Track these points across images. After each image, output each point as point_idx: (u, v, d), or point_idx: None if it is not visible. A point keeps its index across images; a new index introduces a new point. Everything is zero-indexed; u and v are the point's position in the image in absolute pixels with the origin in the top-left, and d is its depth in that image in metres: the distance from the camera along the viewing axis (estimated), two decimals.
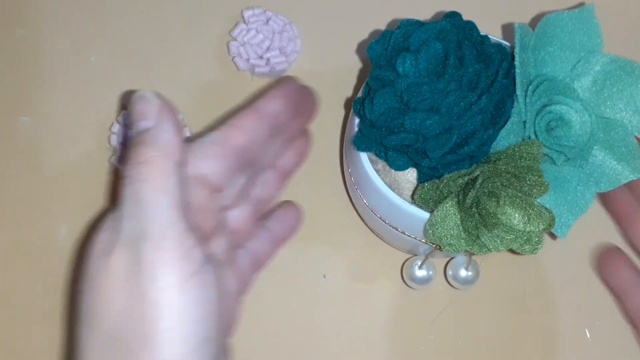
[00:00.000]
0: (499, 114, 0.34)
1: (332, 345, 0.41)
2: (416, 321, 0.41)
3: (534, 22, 0.37)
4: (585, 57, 0.36)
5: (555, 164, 0.35)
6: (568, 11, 0.36)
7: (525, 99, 0.35)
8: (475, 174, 0.33)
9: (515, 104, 0.35)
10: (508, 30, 0.46)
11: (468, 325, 0.41)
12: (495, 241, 0.34)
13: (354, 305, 0.41)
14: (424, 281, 0.40)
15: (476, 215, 0.34)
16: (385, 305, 0.42)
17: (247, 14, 0.46)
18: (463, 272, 0.40)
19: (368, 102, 0.35)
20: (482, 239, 0.34)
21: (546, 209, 0.34)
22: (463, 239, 0.34)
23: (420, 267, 0.40)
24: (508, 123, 0.35)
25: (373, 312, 0.41)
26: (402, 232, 0.36)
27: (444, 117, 0.33)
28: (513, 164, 0.34)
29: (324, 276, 0.42)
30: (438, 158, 0.34)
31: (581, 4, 0.37)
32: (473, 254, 0.38)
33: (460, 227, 0.34)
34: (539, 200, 0.34)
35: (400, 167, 0.35)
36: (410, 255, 0.41)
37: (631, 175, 0.36)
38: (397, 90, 0.34)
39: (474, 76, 0.34)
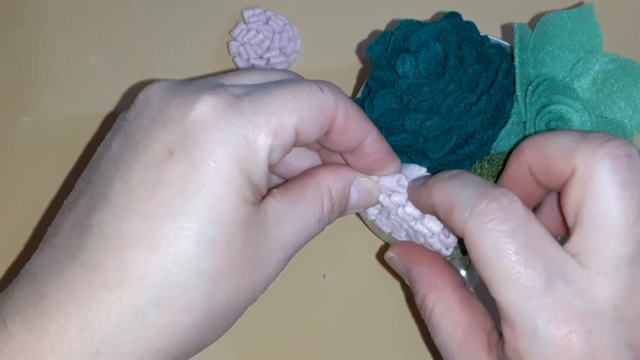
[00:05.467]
0: (499, 115, 0.34)
1: (332, 345, 0.41)
2: (416, 321, 0.41)
3: (533, 22, 0.37)
4: (584, 57, 0.36)
5: None
6: (567, 11, 0.36)
7: (525, 99, 0.35)
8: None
9: (515, 104, 0.35)
10: (507, 30, 0.46)
11: None
12: None
13: (353, 305, 0.41)
14: None
15: None
16: (385, 305, 0.41)
17: (247, 14, 0.46)
18: (463, 273, 0.40)
19: (368, 103, 0.35)
20: None
21: None
22: None
23: None
24: (508, 123, 0.35)
25: (373, 312, 0.41)
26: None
27: (444, 117, 0.33)
28: None
29: (324, 276, 0.42)
30: (438, 159, 0.34)
31: (580, 4, 0.37)
32: None
33: None
34: None
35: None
36: None
37: None
38: (397, 91, 0.34)
39: (474, 77, 0.34)
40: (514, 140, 0.35)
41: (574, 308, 0.26)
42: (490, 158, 0.35)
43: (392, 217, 0.34)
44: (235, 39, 0.46)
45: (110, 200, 0.26)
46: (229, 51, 0.46)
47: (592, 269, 0.27)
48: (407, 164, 0.34)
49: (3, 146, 0.44)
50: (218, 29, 0.47)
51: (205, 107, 0.26)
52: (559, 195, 0.29)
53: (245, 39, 0.45)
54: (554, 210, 0.31)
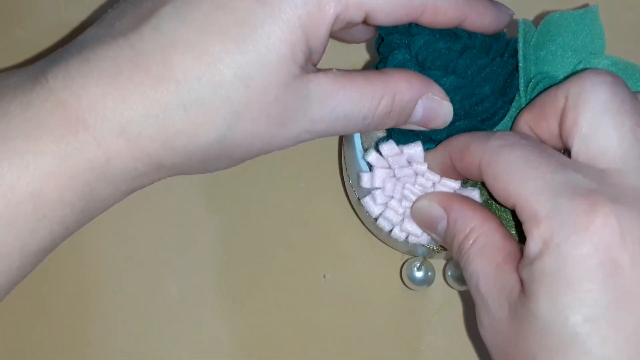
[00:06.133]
0: (509, 84, 0.34)
1: (332, 345, 0.41)
2: (416, 321, 0.41)
3: (537, 20, 0.37)
4: (586, 59, 0.36)
5: None
6: (572, 11, 0.36)
7: (526, 96, 0.35)
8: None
9: (517, 98, 0.35)
10: (509, 28, 0.46)
11: (468, 326, 0.41)
12: None
13: (353, 305, 0.41)
14: (424, 282, 0.40)
15: None
16: (385, 305, 0.42)
17: None
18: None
19: (381, 66, 0.34)
20: None
21: None
22: None
23: (419, 269, 0.40)
24: (507, 116, 0.35)
25: (373, 312, 0.41)
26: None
27: (459, 77, 0.33)
28: None
29: (324, 276, 0.42)
30: (449, 125, 0.34)
31: (585, 5, 0.37)
32: None
33: None
34: None
35: (405, 141, 0.35)
36: (409, 257, 0.41)
37: None
38: (412, 49, 0.34)
39: (487, 41, 0.34)
40: None
41: (592, 187, 0.27)
42: None
43: (407, 190, 0.34)
44: None
45: (177, 1, 0.28)
46: None
47: (601, 166, 0.28)
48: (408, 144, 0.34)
49: None
50: None
51: None
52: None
53: None
54: None
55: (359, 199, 0.38)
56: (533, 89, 0.35)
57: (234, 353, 0.40)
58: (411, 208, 0.34)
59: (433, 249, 0.36)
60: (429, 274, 0.40)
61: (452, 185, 0.34)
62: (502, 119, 0.35)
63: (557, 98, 0.30)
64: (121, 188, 0.29)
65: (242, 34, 0.27)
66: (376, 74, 0.31)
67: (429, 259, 0.39)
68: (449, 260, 0.40)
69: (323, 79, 0.29)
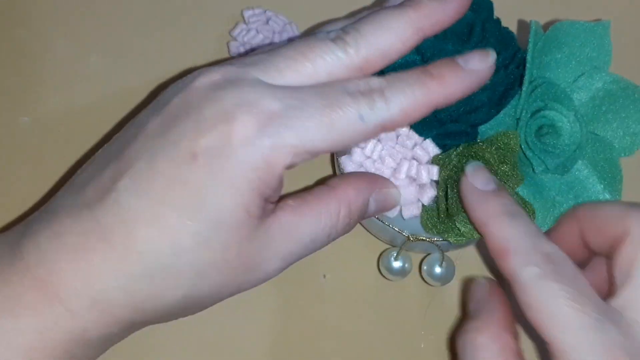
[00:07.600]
0: (506, 96, 0.35)
1: (331, 345, 0.41)
2: (417, 321, 0.41)
3: (547, 26, 0.37)
4: (589, 72, 0.36)
5: (533, 171, 0.35)
6: (583, 22, 0.36)
7: (527, 98, 0.35)
8: (452, 155, 0.34)
9: (516, 97, 0.35)
10: (521, 26, 0.46)
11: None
12: (468, 225, 0.34)
13: (353, 305, 0.42)
14: (400, 273, 0.40)
15: (442, 196, 0.34)
16: (385, 305, 0.42)
17: (247, 14, 0.46)
18: (437, 269, 0.39)
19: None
20: (457, 224, 0.34)
21: (523, 199, 0.34)
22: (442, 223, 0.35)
23: (395, 259, 0.39)
24: (500, 114, 0.35)
25: (372, 312, 0.42)
26: (378, 220, 0.37)
27: None
28: (489, 151, 0.34)
29: (324, 276, 0.42)
30: (439, 127, 0.34)
31: (598, 19, 0.36)
32: (446, 250, 0.38)
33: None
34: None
35: None
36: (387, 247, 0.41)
37: (608, 196, 0.36)
38: (421, 46, 0.34)
39: (496, 49, 0.34)
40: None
41: (623, 345, 0.28)
42: (470, 145, 0.35)
43: (384, 151, 0.35)
44: (235, 39, 0.46)
45: (134, 175, 0.29)
46: (229, 51, 0.46)
47: (635, 316, 0.28)
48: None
49: (3, 146, 0.44)
50: (218, 29, 0.47)
51: (238, 125, 0.29)
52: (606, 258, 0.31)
53: (245, 39, 0.45)
54: (596, 276, 0.33)
55: None
56: (531, 93, 0.35)
57: (233, 353, 0.40)
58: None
59: (408, 237, 0.36)
60: (406, 265, 0.39)
61: (431, 149, 0.35)
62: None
63: (616, 226, 0.30)
64: (101, 348, 0.31)
65: (196, 205, 0.29)
66: (325, 189, 0.32)
67: (406, 251, 0.39)
68: (426, 255, 0.40)
69: (281, 215, 0.31)
